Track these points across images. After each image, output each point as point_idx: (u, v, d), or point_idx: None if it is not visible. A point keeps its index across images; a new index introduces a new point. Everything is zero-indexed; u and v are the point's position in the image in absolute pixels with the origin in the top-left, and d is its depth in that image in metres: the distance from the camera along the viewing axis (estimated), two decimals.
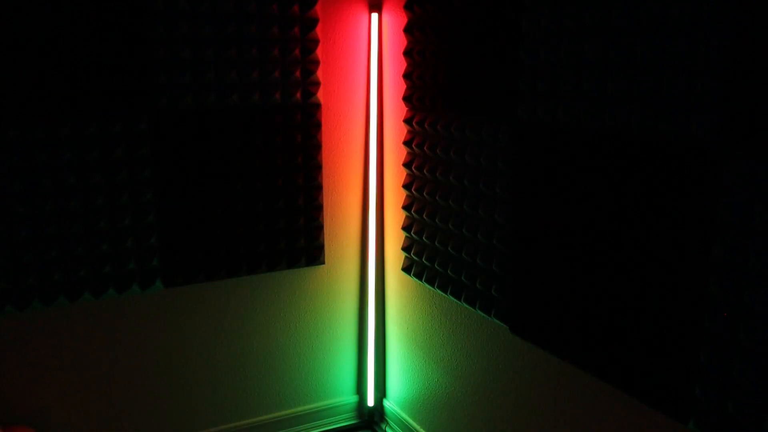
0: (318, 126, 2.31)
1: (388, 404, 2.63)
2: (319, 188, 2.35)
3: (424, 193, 2.11)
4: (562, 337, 1.62)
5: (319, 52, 2.27)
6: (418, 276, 2.21)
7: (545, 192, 1.62)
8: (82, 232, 1.99)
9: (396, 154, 2.35)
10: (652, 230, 1.36)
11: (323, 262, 2.43)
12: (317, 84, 2.28)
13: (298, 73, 2.22)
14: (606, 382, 1.52)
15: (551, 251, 1.62)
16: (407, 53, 2.16)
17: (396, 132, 2.33)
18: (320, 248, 2.40)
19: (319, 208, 2.36)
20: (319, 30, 2.25)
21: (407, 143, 2.18)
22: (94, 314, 2.13)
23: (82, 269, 2.02)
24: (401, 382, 2.53)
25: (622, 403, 1.54)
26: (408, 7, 2.13)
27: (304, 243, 2.36)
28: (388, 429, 2.61)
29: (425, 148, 2.08)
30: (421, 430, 2.44)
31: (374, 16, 2.34)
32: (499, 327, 1.93)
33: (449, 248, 2.01)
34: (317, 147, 2.32)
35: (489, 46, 1.78)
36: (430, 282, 2.14)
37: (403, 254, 2.30)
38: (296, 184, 2.30)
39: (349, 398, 2.65)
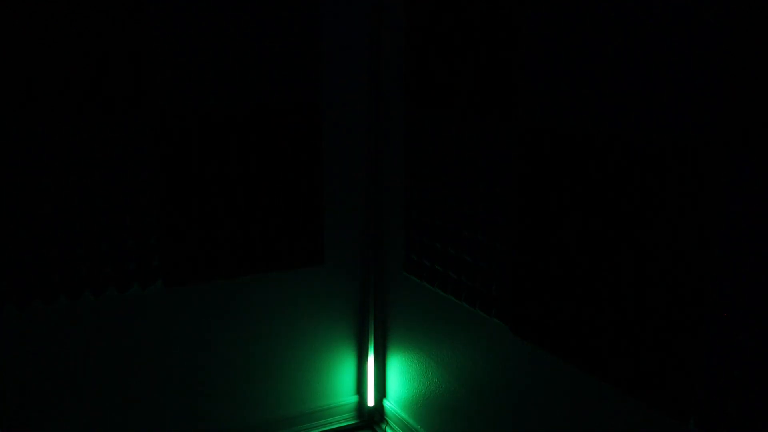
0: (318, 126, 2.31)
1: (388, 404, 2.63)
2: (319, 188, 2.35)
3: (424, 193, 2.11)
4: (562, 337, 1.62)
5: (319, 51, 2.27)
6: (418, 276, 2.21)
7: (545, 192, 1.62)
8: (82, 232, 1.99)
9: (396, 154, 2.35)
10: (652, 230, 1.36)
11: (323, 262, 2.43)
12: (317, 84, 2.28)
13: (297, 73, 2.22)
14: (606, 381, 1.52)
15: (551, 251, 1.62)
16: (407, 53, 2.16)
17: (396, 132, 2.33)
18: (320, 248, 2.40)
19: (319, 208, 2.36)
20: (319, 30, 2.25)
21: (407, 143, 2.18)
22: (94, 314, 2.13)
23: (82, 269, 2.02)
24: (401, 382, 2.53)
25: (622, 403, 1.54)
26: (408, 6, 2.13)
27: (304, 243, 2.36)
28: (388, 429, 2.61)
29: (425, 148, 2.08)
30: (421, 430, 2.44)
31: (374, 16, 2.34)
32: (499, 327, 1.93)
33: (449, 248, 2.01)
34: (317, 147, 2.32)
35: (489, 45, 1.78)
36: (430, 282, 2.14)
37: (403, 254, 2.30)
38: (296, 184, 2.30)
39: (349, 398, 2.65)
